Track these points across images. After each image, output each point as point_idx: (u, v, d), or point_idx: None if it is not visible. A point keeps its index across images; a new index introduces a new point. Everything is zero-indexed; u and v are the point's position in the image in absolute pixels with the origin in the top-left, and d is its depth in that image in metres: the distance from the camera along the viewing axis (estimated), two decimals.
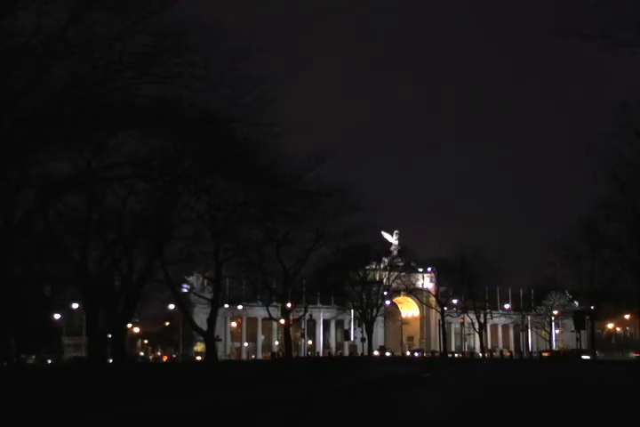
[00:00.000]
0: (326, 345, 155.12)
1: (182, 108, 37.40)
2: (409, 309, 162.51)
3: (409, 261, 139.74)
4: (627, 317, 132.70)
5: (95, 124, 36.61)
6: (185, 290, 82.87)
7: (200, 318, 79.37)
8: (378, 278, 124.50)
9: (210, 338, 67.62)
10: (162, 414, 21.91)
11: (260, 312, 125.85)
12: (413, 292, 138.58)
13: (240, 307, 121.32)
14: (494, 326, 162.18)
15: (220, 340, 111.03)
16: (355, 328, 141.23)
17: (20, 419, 20.07)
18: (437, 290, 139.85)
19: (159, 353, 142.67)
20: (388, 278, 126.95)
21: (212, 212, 56.71)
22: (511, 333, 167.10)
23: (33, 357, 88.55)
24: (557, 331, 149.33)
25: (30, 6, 31.11)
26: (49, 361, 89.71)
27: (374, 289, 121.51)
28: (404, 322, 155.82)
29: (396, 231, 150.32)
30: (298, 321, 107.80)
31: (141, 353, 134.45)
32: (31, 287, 65.31)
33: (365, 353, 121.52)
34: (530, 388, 37.54)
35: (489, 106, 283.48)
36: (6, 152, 33.74)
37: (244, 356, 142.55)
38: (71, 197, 48.82)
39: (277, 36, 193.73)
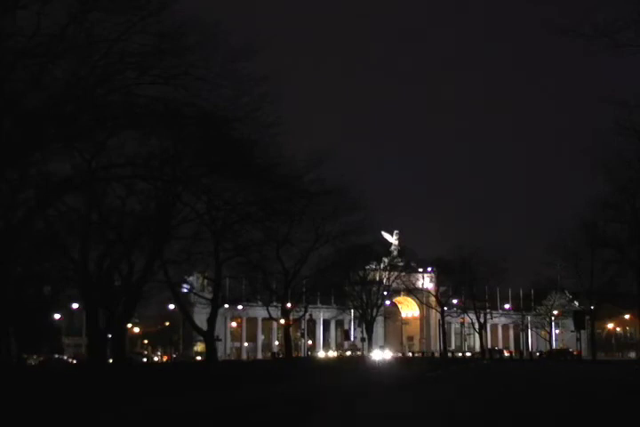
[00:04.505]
0: (326, 345, 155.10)
1: (182, 109, 37.42)
2: (409, 309, 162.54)
3: (409, 261, 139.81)
4: (627, 317, 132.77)
5: (95, 124, 36.66)
6: (185, 290, 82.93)
7: (200, 318, 79.40)
8: (378, 278, 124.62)
9: (210, 338, 67.68)
10: (162, 414, 21.94)
11: (260, 312, 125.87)
12: (413, 292, 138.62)
13: (240, 307, 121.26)
14: (494, 326, 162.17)
15: (220, 340, 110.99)
16: (355, 328, 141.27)
17: (18, 418, 20.13)
18: (437, 290, 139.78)
19: (159, 353, 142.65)
20: (388, 278, 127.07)
21: (212, 212, 56.72)
22: (511, 333, 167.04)
23: (34, 356, 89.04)
24: (557, 331, 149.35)
25: (30, 6, 31.18)
26: (56, 355, 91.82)
27: (374, 289, 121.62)
28: (404, 322, 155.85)
29: (395, 231, 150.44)
30: (298, 321, 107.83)
31: (145, 352, 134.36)
32: (31, 287, 65.35)
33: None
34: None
35: (489, 106, 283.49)
36: (6, 152, 33.76)
37: (244, 356, 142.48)
38: (71, 197, 48.88)
39: (277, 36, 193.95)
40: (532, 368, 69.21)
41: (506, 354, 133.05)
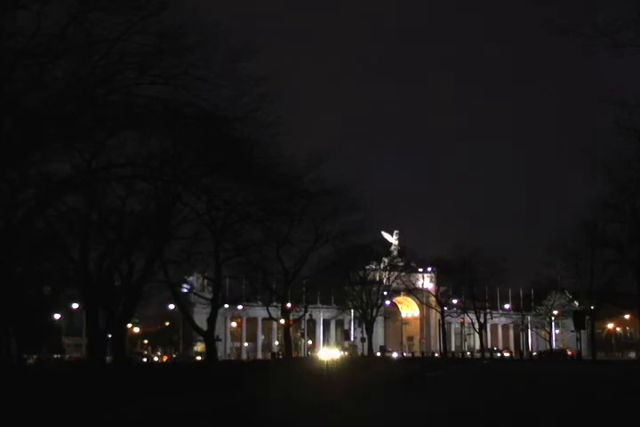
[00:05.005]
0: (327, 345, 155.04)
1: (182, 109, 37.42)
2: (409, 309, 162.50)
3: (409, 261, 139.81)
4: (627, 317, 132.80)
5: (95, 124, 36.66)
6: (185, 290, 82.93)
7: (200, 318, 79.40)
8: (378, 278, 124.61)
9: (210, 338, 67.67)
10: (162, 414, 21.96)
11: (260, 312, 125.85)
12: (413, 292, 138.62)
13: (240, 307, 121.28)
14: (494, 326, 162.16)
15: (220, 340, 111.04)
16: (355, 328, 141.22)
17: (18, 418, 20.16)
18: (437, 290, 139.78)
19: (159, 353, 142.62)
20: (388, 278, 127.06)
21: (212, 212, 56.71)
22: (511, 333, 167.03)
23: (35, 356, 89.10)
24: (557, 331, 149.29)
25: (30, 6, 31.19)
26: (55, 356, 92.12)
27: (374, 289, 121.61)
28: (404, 322, 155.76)
29: (395, 231, 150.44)
30: (298, 321, 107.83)
31: (145, 352, 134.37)
32: (31, 287, 65.32)
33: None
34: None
35: (489, 106, 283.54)
36: (6, 152, 33.77)
37: (244, 356, 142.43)
38: (71, 197, 48.87)
39: (277, 36, 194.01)
40: (531, 368, 69.32)
41: (506, 354, 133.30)
